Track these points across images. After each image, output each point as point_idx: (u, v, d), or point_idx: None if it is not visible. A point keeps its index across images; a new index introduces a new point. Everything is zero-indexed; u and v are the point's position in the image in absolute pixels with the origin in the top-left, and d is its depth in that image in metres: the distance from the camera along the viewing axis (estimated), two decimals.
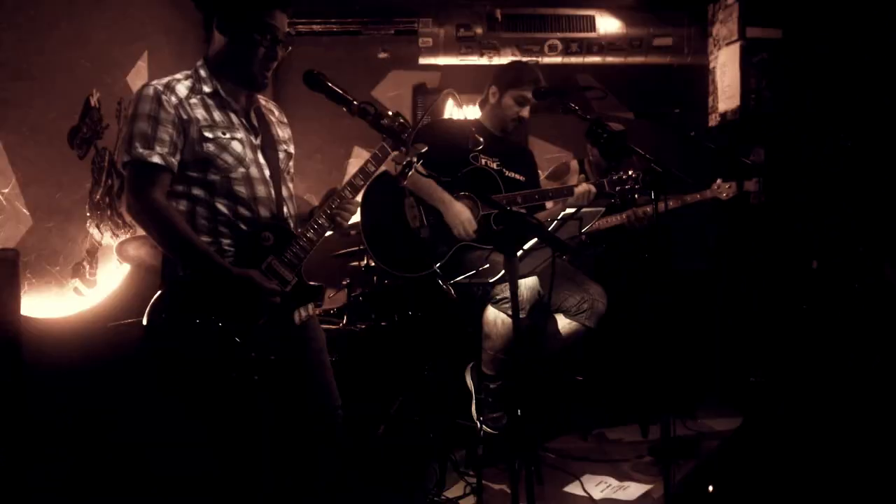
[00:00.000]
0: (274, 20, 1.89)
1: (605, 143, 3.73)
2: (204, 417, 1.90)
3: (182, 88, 1.88)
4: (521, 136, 5.18)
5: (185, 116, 1.85)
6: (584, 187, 3.03)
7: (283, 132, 2.11)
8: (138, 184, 1.81)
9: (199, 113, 1.87)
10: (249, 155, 1.93)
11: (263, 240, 1.90)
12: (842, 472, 2.68)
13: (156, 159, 1.79)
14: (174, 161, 1.83)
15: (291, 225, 2.00)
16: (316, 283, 1.99)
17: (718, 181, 3.59)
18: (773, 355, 3.86)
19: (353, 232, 2.06)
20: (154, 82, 1.87)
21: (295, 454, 2.04)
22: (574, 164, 4.05)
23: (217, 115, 1.91)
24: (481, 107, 3.32)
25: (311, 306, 2.07)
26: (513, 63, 3.40)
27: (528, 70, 3.19)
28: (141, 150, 1.79)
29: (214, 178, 1.87)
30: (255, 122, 2.01)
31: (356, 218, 2.25)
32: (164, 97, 1.83)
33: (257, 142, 1.98)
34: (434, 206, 2.95)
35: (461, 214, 2.92)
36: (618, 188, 3.10)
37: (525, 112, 3.16)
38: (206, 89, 1.91)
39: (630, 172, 3.08)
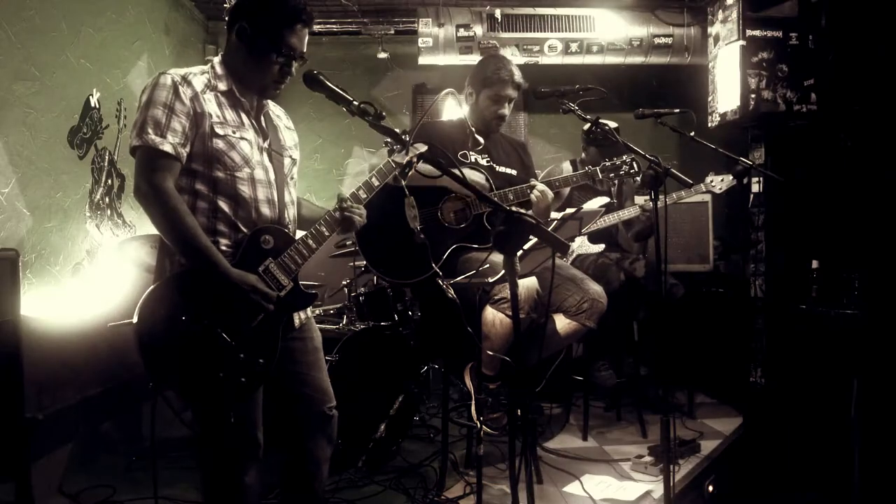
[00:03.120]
0: (293, 38, 1.89)
1: (601, 141, 3.74)
2: (195, 416, 1.90)
3: (198, 83, 1.88)
4: (519, 136, 5.20)
5: (199, 110, 1.85)
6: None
7: (289, 138, 2.12)
8: (149, 167, 1.79)
9: (212, 108, 1.88)
10: (256, 156, 1.94)
11: (263, 242, 1.89)
12: (841, 471, 2.68)
13: (167, 147, 1.78)
14: (184, 152, 1.82)
15: (291, 230, 2.00)
16: (312, 290, 1.98)
17: (711, 175, 3.59)
18: (773, 355, 3.87)
19: (348, 243, 2.05)
20: (171, 71, 1.87)
21: (290, 454, 2.04)
22: (566, 165, 4.05)
23: (229, 114, 1.91)
24: (466, 104, 3.26)
25: (308, 310, 2.07)
26: (486, 60, 3.27)
27: (501, 68, 3.06)
28: (153, 137, 1.78)
29: (219, 175, 1.87)
30: (263, 124, 2.01)
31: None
32: (181, 88, 1.83)
33: (265, 144, 1.98)
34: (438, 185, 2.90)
35: (471, 174, 2.88)
36: (612, 174, 3.07)
37: (505, 110, 3.07)
38: (222, 87, 1.92)
39: (624, 157, 3.03)
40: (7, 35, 2.64)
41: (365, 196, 2.05)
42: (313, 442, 2.04)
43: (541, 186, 2.96)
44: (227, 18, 2.00)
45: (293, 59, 1.91)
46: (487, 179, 2.96)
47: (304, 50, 1.94)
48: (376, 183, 2.06)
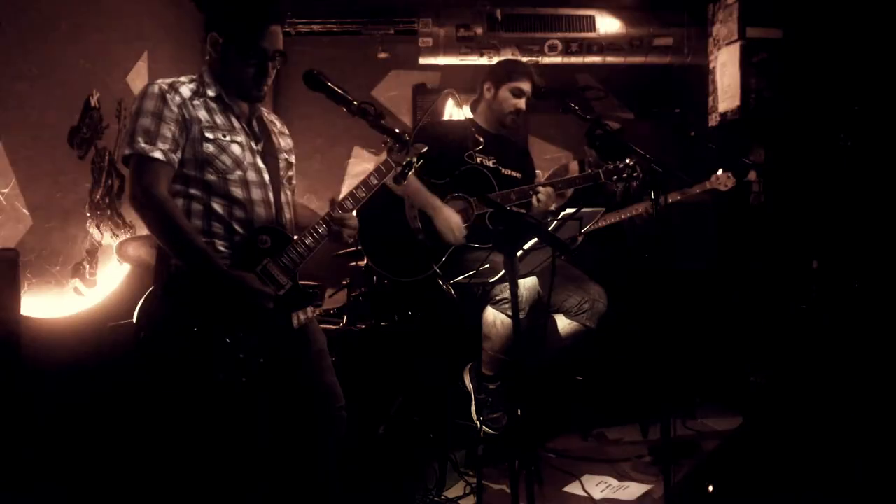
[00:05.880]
0: (263, 40, 1.90)
1: (601, 143, 3.74)
2: (194, 417, 1.90)
3: (186, 90, 1.91)
4: (520, 136, 5.20)
5: (187, 116, 1.87)
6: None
7: (284, 142, 2.14)
8: (141, 175, 1.82)
9: (202, 114, 1.90)
10: (248, 158, 1.95)
11: (261, 242, 1.90)
12: (842, 471, 2.68)
13: (157, 154, 1.81)
14: (175, 158, 1.85)
15: (288, 230, 2.01)
16: (312, 289, 1.99)
17: (719, 172, 3.56)
18: (773, 355, 3.86)
19: (350, 241, 2.05)
20: (159, 81, 1.90)
21: (297, 455, 2.04)
22: (574, 164, 4.04)
23: (219, 119, 1.93)
24: (474, 106, 3.30)
25: (309, 309, 2.07)
26: (504, 60, 3.41)
27: (521, 63, 3.24)
28: (143, 145, 1.81)
29: (212, 178, 1.88)
30: (256, 128, 2.03)
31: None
32: (168, 96, 1.86)
33: (258, 147, 2.00)
34: (425, 211, 2.94)
35: (450, 219, 2.91)
36: (614, 177, 3.08)
37: (522, 104, 3.14)
38: (211, 93, 1.94)
39: (627, 161, 3.05)
40: (7, 34, 2.64)
41: (363, 195, 2.05)
42: (322, 443, 2.04)
43: (546, 189, 2.98)
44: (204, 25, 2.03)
45: (265, 61, 1.91)
46: (468, 209, 2.98)
47: (279, 48, 1.94)
48: (374, 182, 2.06)
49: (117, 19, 3.48)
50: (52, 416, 2.54)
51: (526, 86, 3.13)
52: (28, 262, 2.75)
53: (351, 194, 2.04)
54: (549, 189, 3.00)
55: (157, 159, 1.81)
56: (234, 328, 1.82)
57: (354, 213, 2.04)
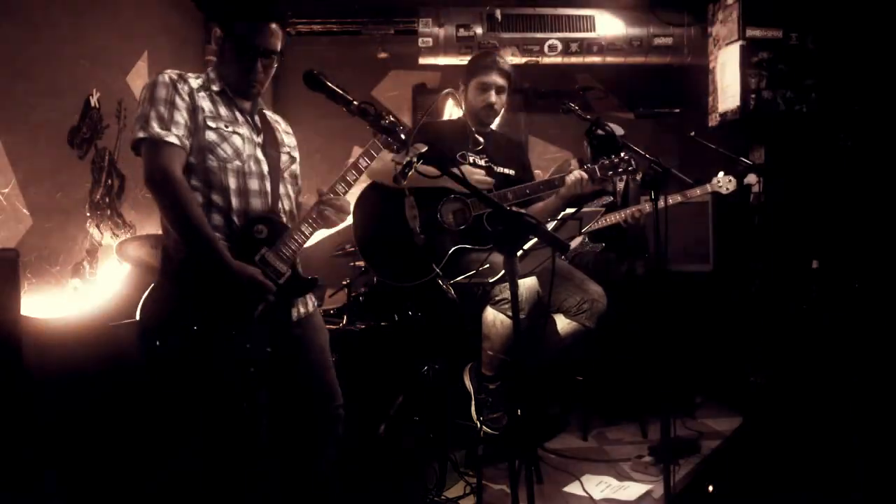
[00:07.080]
0: (257, 37, 1.94)
1: (598, 142, 3.72)
2: (201, 412, 1.91)
3: (193, 82, 1.96)
4: (520, 136, 5.20)
5: (194, 105, 1.92)
6: (575, 175, 2.93)
7: (288, 139, 2.19)
8: (156, 156, 1.84)
9: (206, 105, 1.95)
10: (248, 150, 1.99)
11: (256, 232, 1.93)
12: (842, 471, 2.68)
13: (172, 139, 1.85)
14: (188, 144, 1.89)
15: (285, 220, 2.03)
16: (311, 276, 2.02)
17: (720, 175, 3.56)
18: (773, 355, 3.86)
19: (348, 247, 2.07)
20: (168, 71, 1.95)
21: (296, 452, 2.04)
22: (575, 163, 4.04)
23: (223, 110, 1.98)
24: (463, 101, 3.29)
25: (310, 304, 2.08)
26: (476, 54, 3.37)
27: (486, 57, 3.13)
28: (158, 130, 1.84)
29: (211, 165, 1.92)
30: (258, 123, 2.07)
31: (349, 221, 2.25)
32: (178, 84, 1.92)
33: (258, 140, 2.04)
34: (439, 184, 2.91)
35: (473, 174, 2.91)
36: (610, 172, 3.02)
37: (492, 97, 3.07)
38: (216, 88, 2.00)
39: (622, 155, 2.98)
40: (7, 34, 2.64)
41: (354, 179, 2.09)
42: (320, 442, 2.05)
43: (576, 174, 2.92)
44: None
45: (256, 57, 1.95)
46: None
47: (273, 48, 1.97)
48: (363, 165, 2.11)
49: (117, 19, 3.48)
50: (52, 416, 2.54)
51: (491, 78, 3.04)
52: (28, 262, 2.75)
53: (342, 178, 2.07)
54: (577, 174, 2.91)
55: (172, 143, 1.84)
56: (238, 319, 1.84)
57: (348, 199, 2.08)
